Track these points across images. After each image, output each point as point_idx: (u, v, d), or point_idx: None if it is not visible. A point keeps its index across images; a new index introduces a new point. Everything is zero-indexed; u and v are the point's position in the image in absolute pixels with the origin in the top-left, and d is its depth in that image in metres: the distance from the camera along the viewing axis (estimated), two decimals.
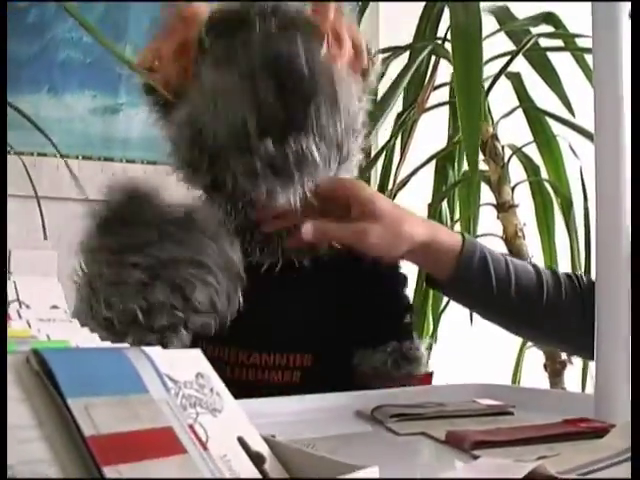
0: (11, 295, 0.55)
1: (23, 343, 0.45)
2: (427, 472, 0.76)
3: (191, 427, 0.43)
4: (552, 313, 1.12)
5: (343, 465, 0.40)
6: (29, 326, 0.53)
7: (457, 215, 1.83)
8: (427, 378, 1.23)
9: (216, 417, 0.46)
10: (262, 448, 0.46)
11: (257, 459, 0.44)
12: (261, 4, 1.07)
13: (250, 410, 0.81)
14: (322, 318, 1.19)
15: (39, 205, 1.15)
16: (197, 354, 0.49)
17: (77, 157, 1.89)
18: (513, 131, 1.81)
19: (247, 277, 1.10)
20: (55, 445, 0.37)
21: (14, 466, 0.35)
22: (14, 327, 0.51)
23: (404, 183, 1.74)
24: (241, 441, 0.45)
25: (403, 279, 1.28)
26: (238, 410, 0.48)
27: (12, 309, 0.54)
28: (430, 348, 1.71)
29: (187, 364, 0.48)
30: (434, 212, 1.77)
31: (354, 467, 0.40)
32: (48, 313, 0.56)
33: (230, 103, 0.99)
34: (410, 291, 1.31)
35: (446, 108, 1.80)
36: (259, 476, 0.43)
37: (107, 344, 0.53)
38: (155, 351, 0.47)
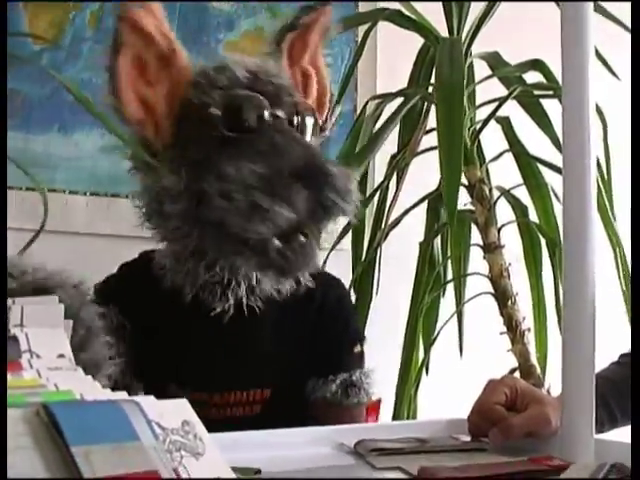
0: (24, 346, 0.63)
1: (34, 394, 0.53)
2: None
3: (175, 470, 0.50)
4: None
5: None
6: (39, 375, 0.60)
7: (448, 253, 1.89)
8: (376, 405, 1.28)
9: (198, 460, 0.53)
10: None
11: None
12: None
13: (237, 443, 0.88)
14: (277, 354, 1.23)
15: (30, 242, 1.20)
16: (184, 403, 0.57)
17: (85, 193, 1.98)
18: (506, 172, 1.89)
19: (200, 321, 1.17)
20: None
21: None
22: (25, 377, 0.59)
23: (397, 222, 1.82)
24: None
25: (352, 311, 1.35)
26: (217, 453, 0.55)
27: (24, 359, 0.62)
28: (418, 380, 1.78)
29: (175, 412, 0.56)
30: (425, 250, 1.84)
31: None
32: (55, 362, 0.64)
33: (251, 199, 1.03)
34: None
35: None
36: None
37: (107, 392, 0.60)
38: (147, 401, 0.54)
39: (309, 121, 1.17)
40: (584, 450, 0.93)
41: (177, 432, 0.54)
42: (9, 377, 0.59)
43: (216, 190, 1.04)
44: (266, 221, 1.02)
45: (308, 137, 1.16)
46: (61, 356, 0.65)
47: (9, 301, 0.65)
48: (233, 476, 0.53)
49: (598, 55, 1.55)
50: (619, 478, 0.81)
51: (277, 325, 1.24)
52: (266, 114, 1.11)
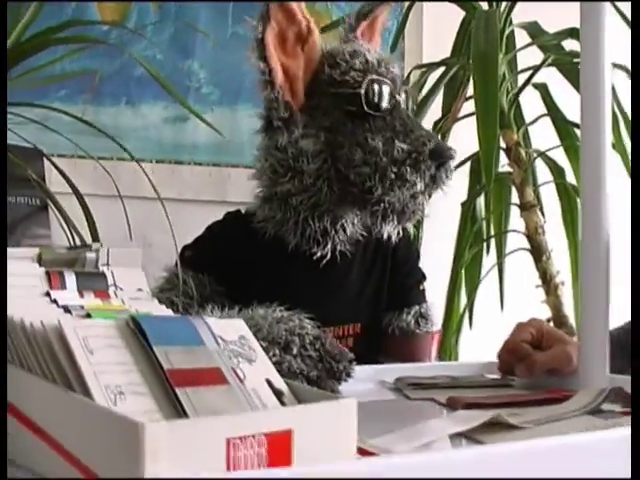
0: (110, 281, 0.77)
1: (122, 313, 0.68)
2: (419, 420, 0.96)
3: (233, 369, 0.64)
4: None
5: (330, 395, 0.62)
6: (123, 302, 0.75)
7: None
8: (438, 334, 1.48)
9: (251, 365, 0.67)
10: (282, 387, 0.66)
11: (278, 394, 0.65)
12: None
13: None
14: (364, 292, 1.42)
15: (124, 208, 1.35)
16: (241, 323, 0.71)
17: (151, 161, 2.14)
18: (547, 135, 1.98)
19: (300, 266, 1.34)
20: (146, 375, 0.59)
21: (122, 386, 0.57)
22: (113, 303, 0.73)
23: None
24: (268, 381, 0.66)
25: (419, 255, 1.53)
26: (267, 361, 0.68)
27: (111, 291, 0.76)
28: (459, 330, 1.90)
29: (234, 329, 0.69)
30: (467, 209, 1.95)
31: (337, 397, 0.61)
32: (135, 294, 0.78)
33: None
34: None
35: None
36: (278, 404, 0.64)
37: (179, 315, 0.75)
38: (211, 320, 0.68)
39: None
40: (597, 384, 1.00)
41: (235, 343, 0.67)
42: (100, 303, 0.73)
43: (361, 158, 1.23)
44: (405, 190, 1.21)
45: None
46: (139, 290, 0.79)
47: (98, 245, 0.79)
48: (279, 378, 0.67)
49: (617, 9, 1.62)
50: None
51: (362, 266, 1.42)
52: (395, 97, 1.29)
